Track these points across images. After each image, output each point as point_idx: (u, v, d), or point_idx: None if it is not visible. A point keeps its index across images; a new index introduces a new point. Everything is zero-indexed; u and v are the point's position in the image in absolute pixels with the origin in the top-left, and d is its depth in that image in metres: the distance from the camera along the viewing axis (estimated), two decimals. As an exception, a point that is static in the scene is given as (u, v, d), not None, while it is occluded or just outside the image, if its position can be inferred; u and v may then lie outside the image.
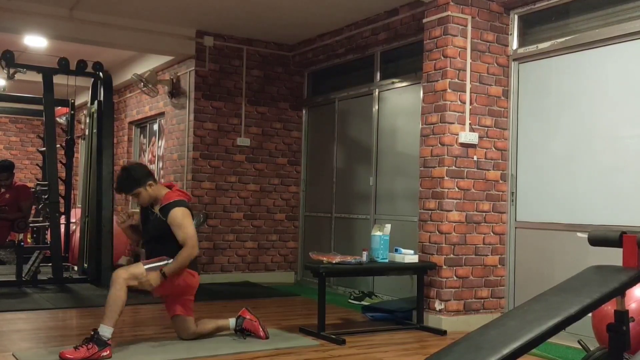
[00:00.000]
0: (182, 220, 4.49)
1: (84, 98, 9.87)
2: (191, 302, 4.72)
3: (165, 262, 4.47)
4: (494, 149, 5.73)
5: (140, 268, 4.41)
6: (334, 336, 4.96)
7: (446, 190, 5.47)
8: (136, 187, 4.57)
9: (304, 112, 8.57)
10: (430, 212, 5.57)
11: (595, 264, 2.90)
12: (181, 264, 4.45)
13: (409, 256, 5.48)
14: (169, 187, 4.75)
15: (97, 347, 4.13)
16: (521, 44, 5.76)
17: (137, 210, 4.89)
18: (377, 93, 7.23)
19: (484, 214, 5.66)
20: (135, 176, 4.59)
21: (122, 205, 10.35)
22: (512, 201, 5.74)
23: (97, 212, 7.49)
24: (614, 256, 2.88)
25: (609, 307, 3.13)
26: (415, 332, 5.39)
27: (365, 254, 5.34)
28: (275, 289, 7.64)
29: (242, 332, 4.86)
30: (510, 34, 5.80)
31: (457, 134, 5.51)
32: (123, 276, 4.29)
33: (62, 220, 8.17)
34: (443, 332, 5.30)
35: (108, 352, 4.17)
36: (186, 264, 4.47)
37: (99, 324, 4.23)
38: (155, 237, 4.62)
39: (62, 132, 9.14)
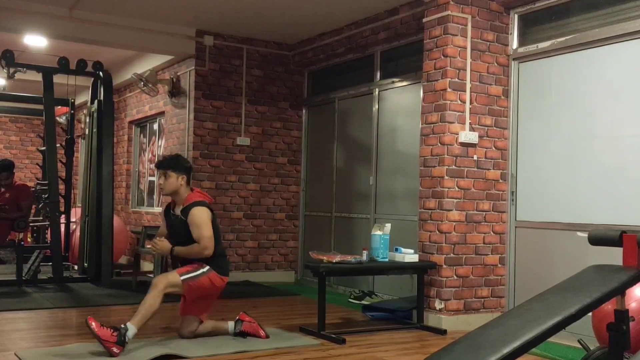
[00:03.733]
0: (200, 219, 4.61)
1: (84, 97, 9.88)
2: (210, 305, 4.83)
3: (201, 270, 4.61)
4: (494, 149, 5.73)
5: (177, 277, 4.54)
6: (334, 335, 4.96)
7: (446, 189, 5.47)
8: (172, 169, 4.72)
9: (304, 111, 8.56)
10: (430, 211, 5.57)
11: (595, 263, 2.90)
12: (188, 254, 4.65)
13: (409, 255, 5.48)
14: (192, 190, 4.87)
15: (116, 340, 4.16)
16: (521, 43, 5.76)
17: (163, 230, 4.98)
18: (377, 92, 7.23)
19: (484, 213, 5.66)
20: (180, 162, 4.80)
21: (122, 205, 10.35)
22: (512, 200, 5.74)
23: (97, 211, 7.49)
24: (614, 256, 2.88)
25: (609, 307, 3.13)
26: (415, 331, 5.39)
27: (365, 253, 5.34)
28: (275, 288, 7.64)
29: (242, 334, 4.86)
30: (511, 34, 5.80)
31: (457, 134, 5.51)
32: (163, 283, 4.46)
33: (62, 219, 8.17)
34: (443, 332, 5.30)
35: (120, 350, 4.18)
36: (193, 256, 4.64)
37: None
38: (180, 243, 4.69)
39: (62, 132, 9.15)
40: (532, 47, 5.63)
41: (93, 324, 4.18)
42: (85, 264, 7.71)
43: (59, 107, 9.21)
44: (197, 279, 4.58)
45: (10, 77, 7.58)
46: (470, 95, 5.59)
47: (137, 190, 10.33)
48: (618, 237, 2.77)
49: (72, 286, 7.25)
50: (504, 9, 5.77)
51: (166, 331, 4.98)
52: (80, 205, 8.64)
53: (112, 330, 4.20)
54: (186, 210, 4.66)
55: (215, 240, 4.68)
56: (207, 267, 4.63)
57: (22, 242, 7.77)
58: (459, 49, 5.53)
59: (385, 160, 7.09)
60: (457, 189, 5.52)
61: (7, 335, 4.90)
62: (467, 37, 5.57)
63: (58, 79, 7.77)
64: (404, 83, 6.87)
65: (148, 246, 4.84)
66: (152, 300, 4.39)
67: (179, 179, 4.72)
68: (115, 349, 4.15)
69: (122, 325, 4.24)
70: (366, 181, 7.29)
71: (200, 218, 4.61)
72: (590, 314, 3.76)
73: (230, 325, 4.90)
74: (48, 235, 7.99)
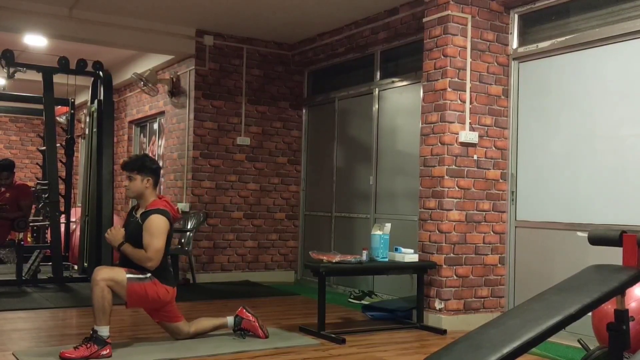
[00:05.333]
0: (156, 229, 4.38)
1: (84, 97, 9.88)
2: (171, 311, 4.63)
3: (144, 275, 4.39)
4: (494, 148, 5.73)
5: (122, 275, 4.31)
6: (334, 335, 4.96)
7: (446, 189, 5.47)
8: (136, 171, 4.52)
9: (304, 111, 8.56)
10: (430, 211, 5.57)
11: (595, 263, 2.90)
12: (132, 256, 4.38)
13: (409, 255, 5.48)
14: (160, 198, 4.67)
15: (97, 346, 4.14)
16: (521, 43, 5.76)
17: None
18: (377, 92, 7.22)
19: (484, 213, 5.66)
20: (145, 163, 4.57)
21: (122, 205, 10.35)
22: (512, 200, 5.74)
23: (97, 211, 7.48)
24: (613, 255, 2.88)
25: (609, 306, 3.13)
26: (415, 331, 5.39)
27: (365, 253, 5.34)
28: (275, 288, 7.64)
29: (241, 332, 4.85)
30: (511, 33, 5.80)
31: (457, 133, 5.51)
32: (103, 278, 4.23)
33: (62, 219, 8.17)
34: (443, 331, 5.30)
35: (108, 350, 4.18)
36: (135, 260, 4.38)
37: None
38: (130, 243, 4.44)
39: (62, 131, 9.15)
40: (532, 47, 5.63)
41: (67, 355, 4.08)
42: (85, 264, 7.70)
43: (59, 106, 9.21)
44: (142, 282, 4.35)
45: (10, 77, 7.58)
46: (470, 95, 5.59)
47: (137, 190, 10.31)
48: (618, 237, 2.77)
49: (72, 286, 7.25)
50: (504, 8, 5.77)
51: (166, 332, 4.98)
52: (80, 205, 8.63)
53: (86, 344, 4.13)
54: (146, 215, 4.43)
55: (163, 255, 4.46)
56: (150, 274, 4.39)
57: (22, 242, 7.76)
58: (459, 48, 5.53)
59: (385, 160, 7.09)
60: (457, 188, 5.52)
61: (7, 335, 4.90)
62: (467, 37, 5.57)
63: (58, 78, 7.77)
64: (404, 83, 6.87)
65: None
66: (99, 294, 4.17)
67: (144, 182, 4.51)
68: (104, 352, 4.14)
69: (92, 331, 4.19)
70: (366, 181, 7.29)
71: (157, 227, 4.37)
72: (590, 314, 3.76)
73: (230, 320, 4.87)
74: (48, 235, 7.98)
